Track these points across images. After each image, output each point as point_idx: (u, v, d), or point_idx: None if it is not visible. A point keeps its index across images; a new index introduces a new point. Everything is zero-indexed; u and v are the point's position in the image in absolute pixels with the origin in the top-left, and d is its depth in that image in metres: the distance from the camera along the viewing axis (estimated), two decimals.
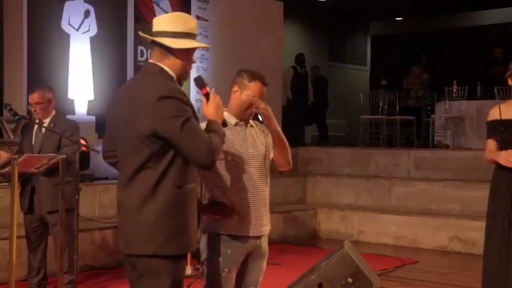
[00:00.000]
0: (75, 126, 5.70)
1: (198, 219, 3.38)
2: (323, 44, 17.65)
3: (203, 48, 3.23)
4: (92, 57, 9.30)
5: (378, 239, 9.36)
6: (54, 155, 5.19)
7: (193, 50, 3.29)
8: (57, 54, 8.96)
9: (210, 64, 10.85)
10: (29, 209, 5.48)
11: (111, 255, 7.26)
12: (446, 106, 11.89)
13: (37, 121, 5.54)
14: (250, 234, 3.66)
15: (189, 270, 6.85)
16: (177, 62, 3.22)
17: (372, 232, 9.44)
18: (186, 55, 3.24)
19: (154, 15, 10.07)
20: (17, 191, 4.56)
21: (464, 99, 11.92)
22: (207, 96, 3.38)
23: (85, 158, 6.97)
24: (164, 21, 3.25)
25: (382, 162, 10.70)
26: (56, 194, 5.28)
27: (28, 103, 5.77)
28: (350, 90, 16.74)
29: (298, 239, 9.49)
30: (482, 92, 11.92)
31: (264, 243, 3.82)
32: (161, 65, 3.20)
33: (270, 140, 3.82)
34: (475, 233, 8.42)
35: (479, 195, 9.08)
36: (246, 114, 3.72)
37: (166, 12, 10.21)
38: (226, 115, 3.62)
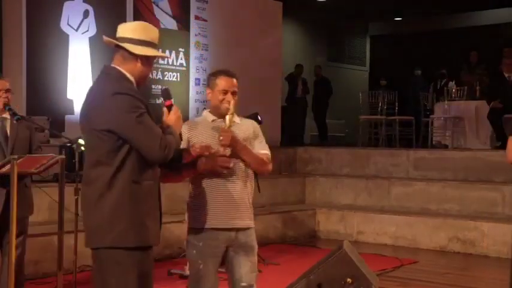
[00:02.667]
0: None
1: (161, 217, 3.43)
2: (322, 44, 17.67)
3: (163, 57, 3.45)
4: (91, 57, 9.31)
5: (376, 239, 9.37)
6: (54, 155, 5.16)
7: (153, 58, 3.44)
8: (57, 55, 8.97)
9: (209, 64, 10.86)
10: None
11: None
12: (446, 106, 11.90)
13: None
14: (215, 226, 3.76)
15: (188, 270, 6.86)
16: (137, 68, 3.36)
17: (371, 232, 9.45)
18: (146, 62, 3.39)
19: (154, 16, 10.11)
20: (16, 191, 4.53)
21: (464, 100, 11.93)
22: (169, 107, 3.49)
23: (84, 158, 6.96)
24: (129, 29, 3.42)
25: (381, 163, 10.70)
26: (26, 199, 5.19)
27: None
28: (349, 91, 16.75)
29: (297, 239, 9.49)
30: (481, 92, 11.93)
31: (245, 237, 3.86)
32: (120, 69, 3.34)
33: (249, 136, 3.90)
34: (474, 233, 8.45)
35: (479, 195, 9.16)
36: (222, 109, 3.84)
37: (166, 13, 10.29)
38: (206, 114, 3.95)
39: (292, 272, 6.17)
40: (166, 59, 10.24)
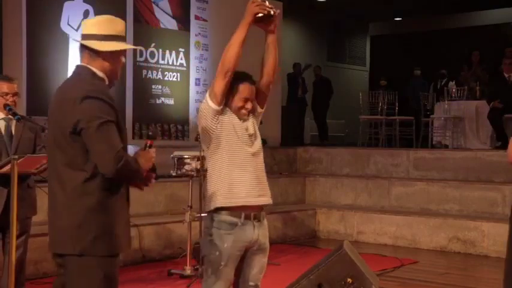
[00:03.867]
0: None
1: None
2: (322, 44, 17.68)
3: (133, 48, 3.38)
4: None
5: (377, 239, 9.38)
6: None
7: (121, 52, 3.35)
8: (57, 55, 8.97)
9: (209, 64, 10.87)
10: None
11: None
12: (446, 106, 11.91)
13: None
14: (247, 204, 3.73)
15: (188, 271, 6.88)
16: (106, 64, 3.29)
17: (371, 232, 9.45)
18: (114, 57, 3.31)
19: (154, 16, 10.11)
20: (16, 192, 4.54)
21: (464, 100, 11.93)
22: (148, 146, 3.37)
23: None
24: (92, 25, 3.33)
25: (381, 163, 10.71)
26: (28, 199, 5.21)
27: None
28: (349, 91, 16.78)
29: (297, 239, 9.50)
30: (481, 92, 11.94)
31: (263, 238, 3.87)
32: (91, 67, 3.28)
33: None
34: (474, 233, 8.45)
35: (479, 195, 9.16)
36: (241, 114, 3.83)
37: (166, 13, 10.29)
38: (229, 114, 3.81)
39: (292, 272, 6.17)
40: (166, 59, 10.24)
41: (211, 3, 11.04)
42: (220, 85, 3.71)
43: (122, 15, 9.62)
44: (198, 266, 6.83)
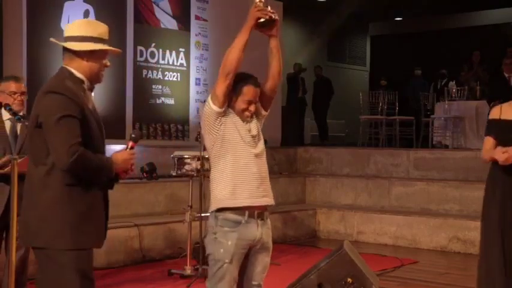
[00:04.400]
0: None
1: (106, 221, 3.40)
2: (322, 44, 17.68)
3: (114, 52, 3.38)
4: None
5: (377, 239, 9.38)
6: None
7: (100, 53, 3.38)
8: (57, 54, 8.93)
9: (209, 64, 10.87)
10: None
11: (113, 255, 7.26)
12: (446, 106, 11.91)
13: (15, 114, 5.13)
14: (250, 204, 3.75)
15: (188, 271, 6.88)
16: (84, 64, 3.36)
17: (371, 232, 9.46)
18: (92, 58, 3.36)
19: (154, 16, 10.11)
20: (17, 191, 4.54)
21: (464, 100, 11.93)
22: (130, 148, 3.41)
23: None
24: (73, 27, 3.46)
25: (381, 162, 10.71)
26: None
27: (1, 91, 5.27)
28: (349, 91, 16.77)
29: (297, 239, 9.51)
30: (482, 92, 11.95)
31: (267, 237, 3.89)
32: (69, 68, 3.37)
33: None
34: (474, 233, 8.43)
35: (479, 195, 9.07)
36: (244, 116, 3.85)
37: (166, 13, 10.29)
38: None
39: (292, 271, 6.17)
40: (167, 59, 10.23)
41: (212, 3, 11.04)
42: (221, 87, 3.73)
43: (123, 15, 9.66)
44: (198, 266, 6.83)
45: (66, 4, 9.08)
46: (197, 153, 6.81)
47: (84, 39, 3.34)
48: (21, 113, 5.24)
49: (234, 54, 3.75)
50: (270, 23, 3.88)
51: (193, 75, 10.71)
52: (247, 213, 3.77)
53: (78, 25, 3.45)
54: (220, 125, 3.77)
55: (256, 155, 3.83)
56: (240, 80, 3.82)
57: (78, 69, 3.34)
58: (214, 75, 10.72)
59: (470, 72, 13.17)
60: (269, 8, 3.81)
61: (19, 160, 4.62)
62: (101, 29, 3.42)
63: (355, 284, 5.32)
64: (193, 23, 10.72)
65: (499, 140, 4.60)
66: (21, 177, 4.86)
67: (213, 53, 10.91)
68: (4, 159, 4.79)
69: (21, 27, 8.64)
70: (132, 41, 9.69)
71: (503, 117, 4.61)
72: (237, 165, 3.77)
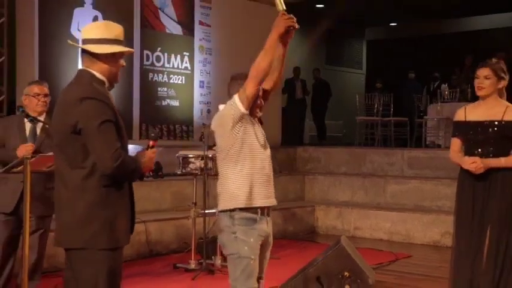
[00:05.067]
0: None
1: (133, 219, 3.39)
2: (320, 48, 17.67)
3: (129, 52, 3.38)
4: None
5: (372, 234, 9.38)
6: None
7: (119, 54, 3.35)
8: (67, 58, 8.98)
9: (213, 67, 10.87)
10: (13, 211, 5.16)
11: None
12: (438, 108, 11.90)
13: (35, 115, 5.32)
14: (265, 205, 3.81)
15: (193, 265, 6.89)
16: (105, 67, 3.30)
17: (367, 228, 9.46)
18: (112, 59, 3.31)
19: (160, 21, 10.11)
20: (29, 190, 4.55)
21: (456, 101, 11.92)
22: (151, 146, 3.40)
23: None
24: (91, 30, 3.35)
25: (377, 162, 10.71)
26: (48, 198, 5.12)
27: (27, 94, 5.39)
28: (346, 93, 16.78)
29: (297, 235, 9.51)
30: (473, 94, 11.93)
31: (271, 233, 3.94)
32: (91, 70, 3.29)
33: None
34: None
35: None
36: (256, 113, 3.86)
37: (171, 19, 10.30)
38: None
39: (292, 265, 6.19)
40: (172, 63, 10.24)
41: (215, 9, 11.04)
42: (254, 91, 3.69)
43: (130, 21, 9.66)
44: (202, 260, 6.84)
45: (76, 10, 9.09)
46: (201, 153, 6.82)
47: (102, 41, 3.27)
48: (43, 115, 5.37)
49: (267, 60, 3.69)
50: (292, 30, 3.84)
51: (197, 78, 10.72)
52: (259, 211, 3.79)
53: (95, 27, 3.37)
54: (241, 127, 3.73)
55: (267, 157, 3.85)
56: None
57: (99, 71, 3.28)
58: (217, 78, 10.80)
59: (462, 76, 13.17)
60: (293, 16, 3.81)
61: (32, 160, 4.66)
62: (117, 30, 3.37)
63: (352, 277, 5.34)
64: (197, 28, 10.73)
65: (466, 141, 4.60)
66: (39, 178, 4.96)
67: (216, 57, 10.92)
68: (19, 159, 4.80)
69: (33, 33, 8.65)
70: (138, 46, 9.70)
71: (468, 118, 4.59)
72: (255, 167, 3.77)
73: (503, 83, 4.55)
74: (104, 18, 9.32)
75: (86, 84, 3.21)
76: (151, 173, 3.58)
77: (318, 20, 15.98)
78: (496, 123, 4.45)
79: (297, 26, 3.80)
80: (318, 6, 15.27)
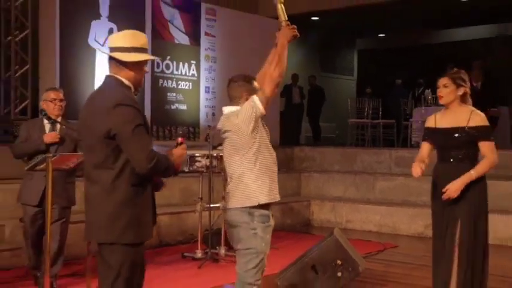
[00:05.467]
0: None
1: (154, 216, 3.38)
2: (315, 57, 17.66)
3: (153, 59, 3.35)
4: None
5: (363, 226, 9.38)
6: (82, 154, 5.19)
7: (144, 62, 3.30)
8: (85, 66, 8.99)
9: (217, 74, 10.88)
10: (39, 203, 5.29)
11: None
12: (423, 111, 11.89)
13: (53, 118, 5.44)
14: (277, 200, 3.79)
15: (199, 254, 6.89)
16: (131, 73, 3.24)
17: (358, 221, 9.46)
18: (138, 67, 3.25)
19: (169, 32, 10.12)
20: (50, 185, 4.57)
21: (438, 105, 11.88)
22: (180, 143, 3.36)
23: None
24: (118, 38, 3.30)
25: (367, 160, 10.72)
26: (68, 191, 5.41)
27: (44, 99, 5.52)
28: (339, 98, 16.76)
29: (294, 227, 9.51)
30: None
31: None
32: (118, 77, 3.23)
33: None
34: None
35: None
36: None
37: (180, 30, 10.31)
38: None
39: (289, 255, 6.19)
40: (180, 70, 10.25)
41: (219, 22, 11.05)
42: (272, 92, 3.68)
43: (142, 32, 9.63)
44: (207, 250, 6.85)
45: (93, 23, 9.10)
46: (206, 152, 6.82)
47: (129, 49, 3.22)
48: (59, 117, 5.48)
49: (282, 66, 3.71)
50: (295, 38, 3.92)
51: (203, 84, 10.73)
52: (270, 207, 3.78)
53: (123, 36, 3.30)
54: (259, 126, 3.70)
55: (274, 154, 3.87)
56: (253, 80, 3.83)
57: (126, 78, 3.22)
58: (222, 84, 10.77)
59: None
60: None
61: (53, 158, 4.67)
62: (143, 39, 3.34)
63: (344, 265, 5.34)
64: (203, 38, 10.74)
65: (438, 147, 4.55)
66: (60, 174, 4.97)
67: (220, 65, 10.93)
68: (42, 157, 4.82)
69: (54, 44, 8.66)
70: (150, 54, 9.68)
71: (438, 125, 4.53)
72: (270, 165, 3.78)
73: (463, 90, 4.49)
74: (118, 30, 9.30)
75: (117, 91, 3.16)
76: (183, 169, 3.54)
77: (313, 31, 15.98)
78: (463, 129, 4.38)
79: (298, 34, 3.82)
80: (313, 18, 15.24)
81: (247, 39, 11.33)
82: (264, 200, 3.69)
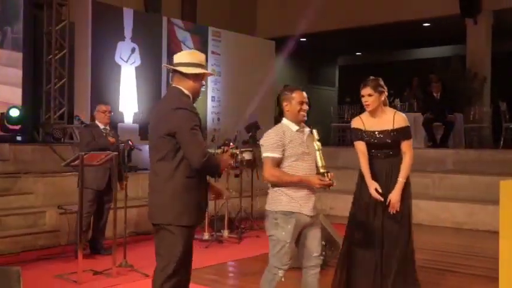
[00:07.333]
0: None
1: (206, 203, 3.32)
2: (303, 71, 17.66)
3: (210, 74, 3.33)
4: (137, 81, 9.31)
5: (343, 213, 9.34)
6: (110, 152, 5.23)
7: (202, 75, 3.29)
8: (112, 79, 8.98)
9: (222, 86, 10.88)
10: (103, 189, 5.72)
11: (150, 224, 7.24)
12: None
13: (103, 126, 5.89)
14: (302, 212, 3.54)
15: (206, 235, 6.87)
16: (191, 84, 3.23)
17: (340, 208, 9.44)
18: (197, 79, 3.25)
19: (181, 51, 10.09)
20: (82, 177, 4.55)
21: (406, 111, 11.89)
22: (225, 150, 3.41)
23: (130, 154, 6.99)
24: (181, 56, 3.30)
25: (348, 157, 10.68)
26: (111, 182, 5.56)
27: (98, 110, 6.01)
28: (323, 105, 16.74)
29: None
30: (418, 107, 11.97)
31: (316, 218, 3.74)
32: (180, 87, 3.23)
33: (314, 141, 3.79)
34: (414, 208, 8.42)
35: (416, 181, 9.00)
36: (300, 116, 3.71)
37: (191, 49, 10.28)
38: (288, 123, 3.67)
39: None
40: None
41: (224, 42, 11.04)
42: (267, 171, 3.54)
43: (159, 50, 9.66)
44: (213, 233, 6.83)
45: (119, 43, 9.11)
46: (212, 151, 6.79)
47: (190, 64, 3.23)
48: (107, 125, 5.98)
49: (275, 181, 3.56)
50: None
51: (209, 94, 10.72)
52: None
53: (185, 54, 3.31)
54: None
55: None
56: (286, 91, 3.75)
57: (186, 88, 3.22)
58: (225, 94, 10.78)
59: (410, 93, 13.16)
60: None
61: (85, 156, 4.66)
62: (201, 57, 3.33)
63: (327, 245, 5.33)
64: (210, 56, 10.73)
65: (368, 146, 4.31)
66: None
67: (224, 78, 10.92)
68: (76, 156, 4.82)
69: (86, 61, 8.67)
70: (165, 69, 9.69)
71: (366, 128, 4.28)
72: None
73: (384, 95, 4.27)
74: (140, 49, 9.33)
75: (178, 98, 3.17)
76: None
77: (302, 50, 15.97)
78: (389, 131, 4.22)
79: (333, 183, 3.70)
80: (301, 40, 15.24)
81: (247, 56, 11.33)
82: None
